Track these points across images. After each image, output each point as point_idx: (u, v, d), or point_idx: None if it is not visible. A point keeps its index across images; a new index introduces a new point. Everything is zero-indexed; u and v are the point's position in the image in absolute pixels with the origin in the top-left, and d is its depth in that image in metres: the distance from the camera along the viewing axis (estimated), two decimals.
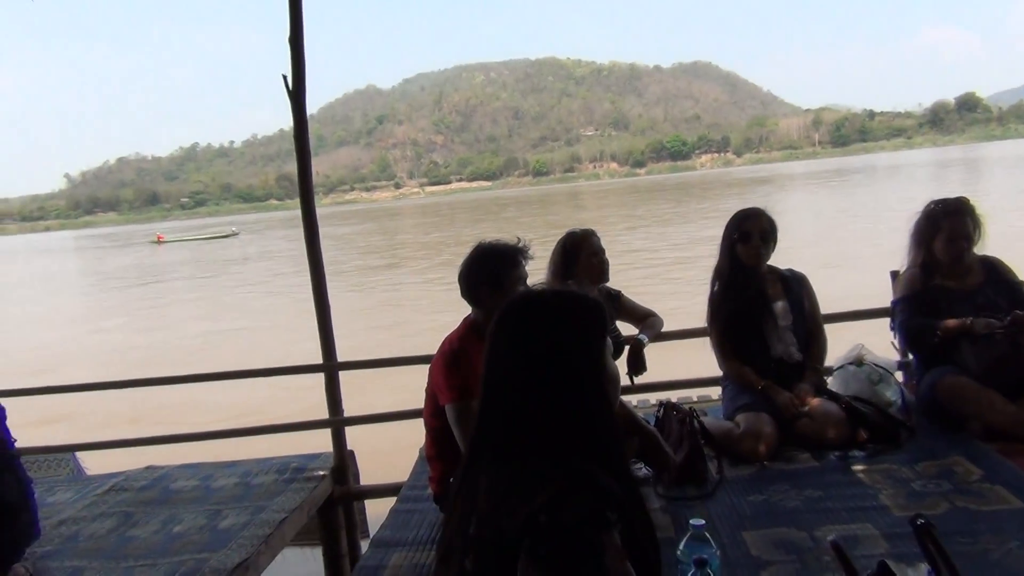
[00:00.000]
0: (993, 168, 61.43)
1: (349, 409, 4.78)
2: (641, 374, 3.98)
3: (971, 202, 3.84)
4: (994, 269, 3.86)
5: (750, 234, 3.86)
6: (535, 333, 1.61)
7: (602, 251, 4.06)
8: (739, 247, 3.89)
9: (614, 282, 4.23)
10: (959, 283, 3.79)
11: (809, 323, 3.92)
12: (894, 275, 4.26)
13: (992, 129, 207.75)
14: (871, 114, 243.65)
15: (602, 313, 1.68)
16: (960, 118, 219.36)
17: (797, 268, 4.07)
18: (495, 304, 2.95)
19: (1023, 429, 3.41)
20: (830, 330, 4.16)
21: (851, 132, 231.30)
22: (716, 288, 3.99)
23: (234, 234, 73.70)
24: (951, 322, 3.64)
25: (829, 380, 3.97)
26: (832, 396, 3.70)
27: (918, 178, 55.41)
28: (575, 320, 1.63)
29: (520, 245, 3.08)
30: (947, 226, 3.78)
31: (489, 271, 3.03)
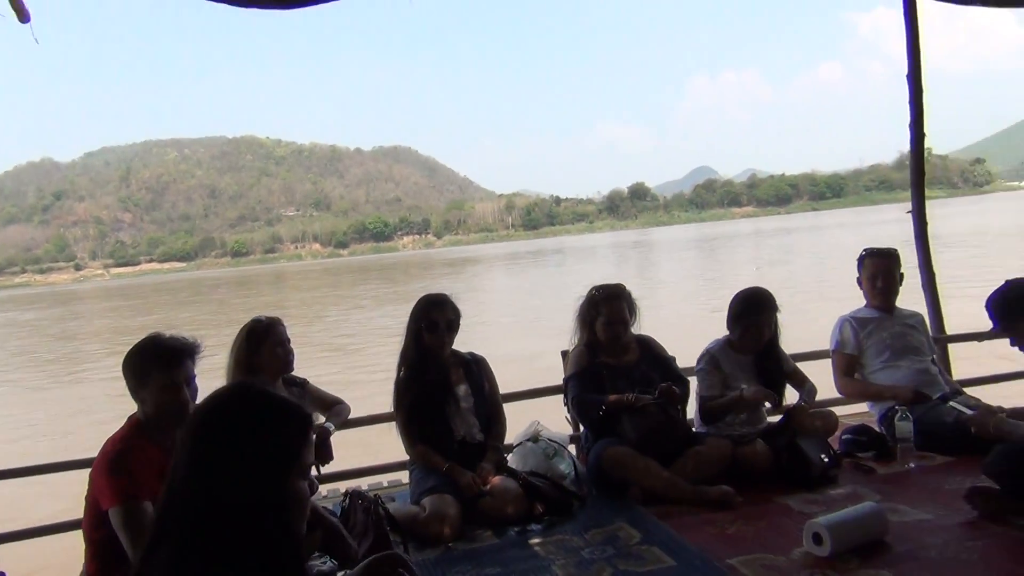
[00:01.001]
0: (661, 251, 68.55)
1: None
2: (328, 463, 3.92)
3: (627, 288, 4.29)
4: (648, 347, 4.32)
5: (437, 323, 4.00)
6: (222, 445, 1.51)
7: (287, 340, 3.99)
8: (426, 335, 4.01)
9: (307, 370, 4.18)
10: (619, 360, 4.20)
11: (489, 404, 4.12)
12: (564, 354, 4.59)
13: (660, 216, 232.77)
14: (557, 200, 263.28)
15: (303, 428, 1.60)
16: (633, 205, 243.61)
17: (491, 347, 4.28)
18: (157, 402, 2.78)
19: (676, 492, 3.79)
20: (513, 408, 4.40)
21: (540, 216, 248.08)
22: (402, 373, 4.06)
23: None
24: (613, 397, 4.00)
25: (509, 457, 4.16)
26: (511, 473, 3.88)
27: (606, 259, 60.26)
28: (268, 435, 1.54)
29: (189, 342, 2.91)
30: (606, 310, 4.19)
31: (146, 368, 2.82)
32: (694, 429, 4.36)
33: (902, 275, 4.77)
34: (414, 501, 3.83)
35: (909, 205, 5.57)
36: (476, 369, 4.14)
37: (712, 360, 4.35)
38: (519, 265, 65.80)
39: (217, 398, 1.63)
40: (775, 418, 4.48)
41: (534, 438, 4.13)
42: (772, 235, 71.59)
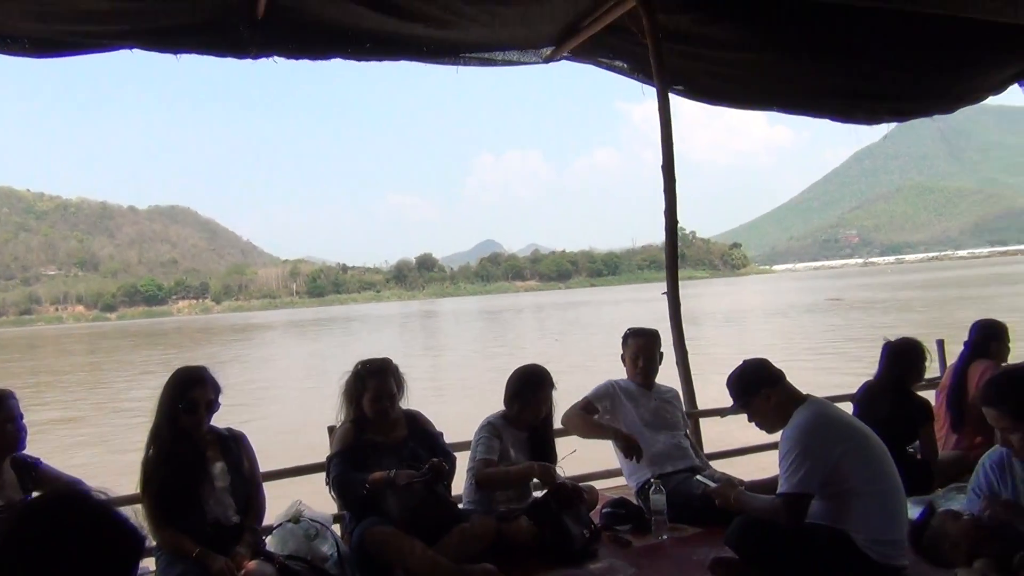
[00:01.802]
0: (447, 320, 69.27)
1: None
2: None
3: (394, 362, 4.25)
4: (416, 422, 4.28)
5: (197, 404, 3.71)
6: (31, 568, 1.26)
7: (18, 416, 3.60)
8: (183, 416, 3.72)
9: (39, 449, 3.79)
10: (386, 437, 4.11)
11: (248, 484, 3.89)
12: (331, 430, 4.46)
13: (446, 287, 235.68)
14: (344, 268, 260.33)
15: (134, 558, 1.37)
16: (420, 275, 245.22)
17: (251, 424, 4.07)
18: None
19: (439, 572, 3.73)
20: (274, 487, 4.20)
21: (326, 284, 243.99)
22: (151, 453, 3.74)
23: None
24: (377, 475, 3.90)
25: (268, 539, 3.96)
26: (268, 557, 3.68)
27: (401, 327, 59.97)
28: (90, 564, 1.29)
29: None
30: (372, 385, 4.11)
31: None
32: (460, 506, 4.35)
33: (662, 354, 5.07)
34: None
35: (680, 283, 5.96)
36: (234, 446, 3.90)
37: (492, 428, 4.42)
38: (308, 332, 64.20)
39: (37, 509, 1.37)
40: (539, 493, 4.56)
41: (295, 519, 3.95)
42: (558, 308, 74.35)
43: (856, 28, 5.69)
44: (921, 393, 5.68)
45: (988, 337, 5.34)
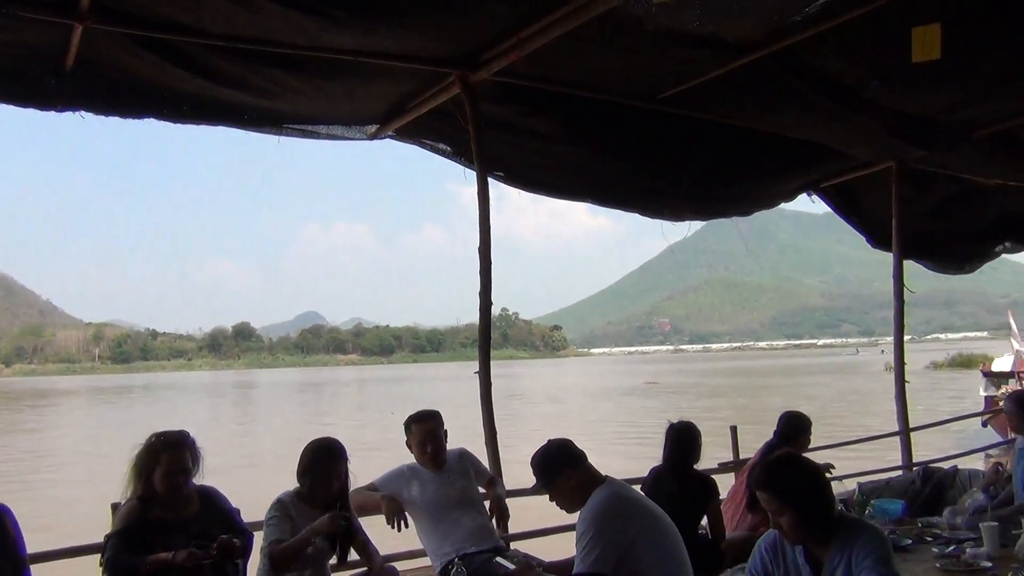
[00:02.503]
0: (264, 392, 66.76)
1: None
2: None
3: (191, 435, 4.03)
4: (210, 499, 4.05)
5: None
6: None
7: None
8: None
9: None
10: (176, 514, 3.85)
11: (9, 564, 3.55)
12: (115, 507, 4.14)
13: (264, 357, 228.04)
14: (154, 334, 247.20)
15: None
16: (236, 345, 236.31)
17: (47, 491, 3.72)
18: None
19: None
20: (45, 569, 3.86)
21: (133, 349, 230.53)
22: None
23: None
24: (158, 556, 3.65)
25: None
26: None
27: (217, 398, 57.09)
28: None
29: None
30: (166, 459, 3.86)
31: None
32: None
33: (445, 431, 5.02)
34: None
35: (502, 363, 6.03)
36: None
37: (283, 507, 4.21)
38: (107, 401, 59.98)
39: None
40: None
41: None
42: (384, 383, 73.37)
43: (665, 132, 6.13)
44: (717, 475, 6.03)
45: (796, 428, 5.74)
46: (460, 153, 5.82)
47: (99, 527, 4.27)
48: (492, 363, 5.73)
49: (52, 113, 4.44)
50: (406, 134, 5.80)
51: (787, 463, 3.25)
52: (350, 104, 5.33)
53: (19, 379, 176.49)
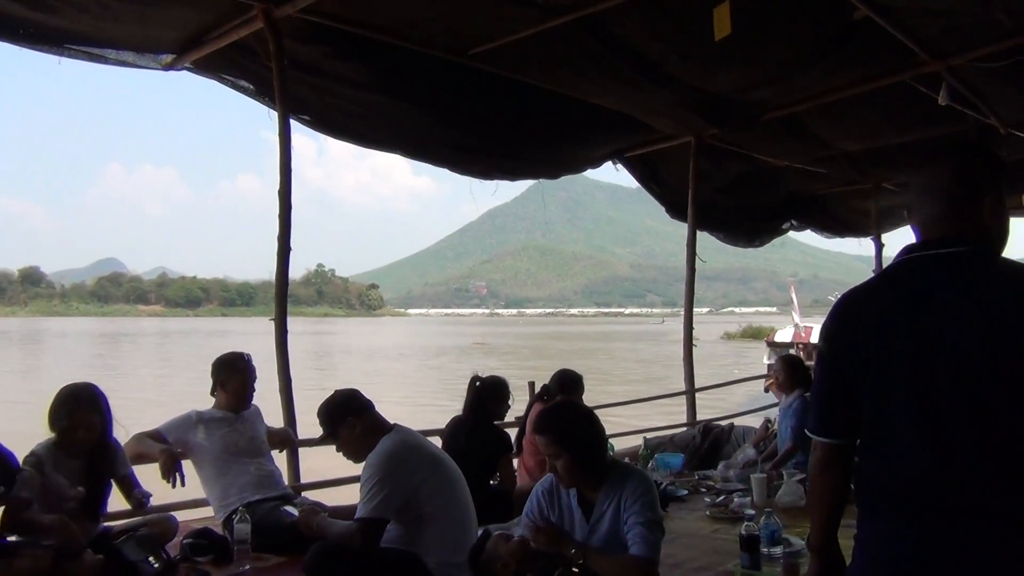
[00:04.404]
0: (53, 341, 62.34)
1: None
2: None
3: None
4: None
5: None
6: None
7: None
8: None
9: None
10: None
11: None
12: None
13: (55, 305, 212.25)
14: None
15: None
16: (23, 290, 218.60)
17: None
18: None
19: None
20: None
21: None
22: None
23: None
24: None
25: None
26: None
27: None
28: None
29: None
30: None
31: None
32: (11, 538, 3.86)
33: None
34: None
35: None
36: None
37: (33, 459, 3.94)
38: None
39: None
40: None
41: None
42: (193, 336, 70.14)
43: (474, 87, 6.14)
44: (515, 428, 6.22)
45: (568, 385, 5.95)
46: (263, 92, 5.58)
47: None
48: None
49: None
50: (205, 68, 5.48)
51: (564, 409, 3.40)
52: (142, 29, 4.97)
53: None
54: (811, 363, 6.06)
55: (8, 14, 4.47)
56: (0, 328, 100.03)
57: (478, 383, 5.36)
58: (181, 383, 24.67)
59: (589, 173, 9.41)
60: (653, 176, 9.18)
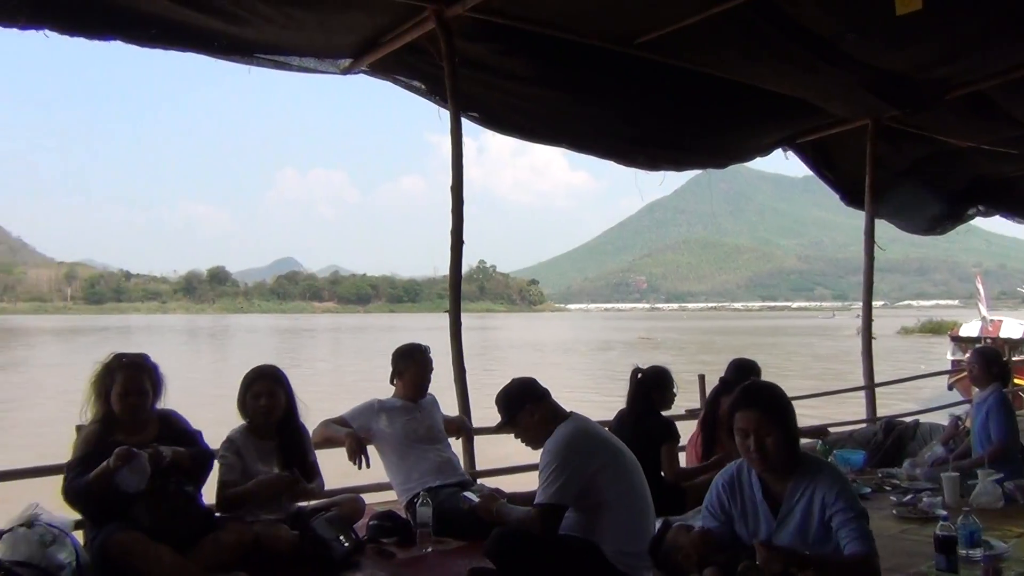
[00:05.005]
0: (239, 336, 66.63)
1: None
2: None
3: (151, 359, 4.03)
4: (169, 421, 4.06)
5: None
6: None
7: None
8: None
9: None
10: (135, 437, 3.85)
11: None
12: (79, 428, 4.16)
13: (239, 302, 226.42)
14: (128, 275, 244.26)
15: None
16: (211, 289, 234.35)
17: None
18: None
19: None
20: (9, 488, 3.89)
21: (106, 291, 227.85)
22: None
23: None
24: (100, 467, 3.65)
25: None
26: None
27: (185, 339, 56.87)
28: None
29: None
30: (122, 379, 3.85)
31: None
32: (217, 514, 4.18)
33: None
34: None
35: (478, 315, 6.08)
36: None
37: (230, 445, 4.25)
38: (82, 339, 59.62)
39: None
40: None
41: (28, 523, 3.64)
42: (372, 332, 73.20)
43: (641, 78, 6.11)
44: (688, 422, 6.12)
45: (742, 374, 5.80)
46: (434, 91, 5.77)
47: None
48: (468, 315, 5.79)
49: (14, 32, 4.33)
50: (380, 70, 5.73)
51: (770, 386, 3.29)
52: (323, 36, 5.25)
53: None
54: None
55: (204, 27, 4.83)
56: (194, 324, 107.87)
57: (640, 375, 5.31)
58: (357, 374, 25.76)
59: (752, 163, 9.13)
60: (826, 162, 8.82)
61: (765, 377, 6.02)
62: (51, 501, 3.92)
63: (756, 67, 6.16)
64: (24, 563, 3.45)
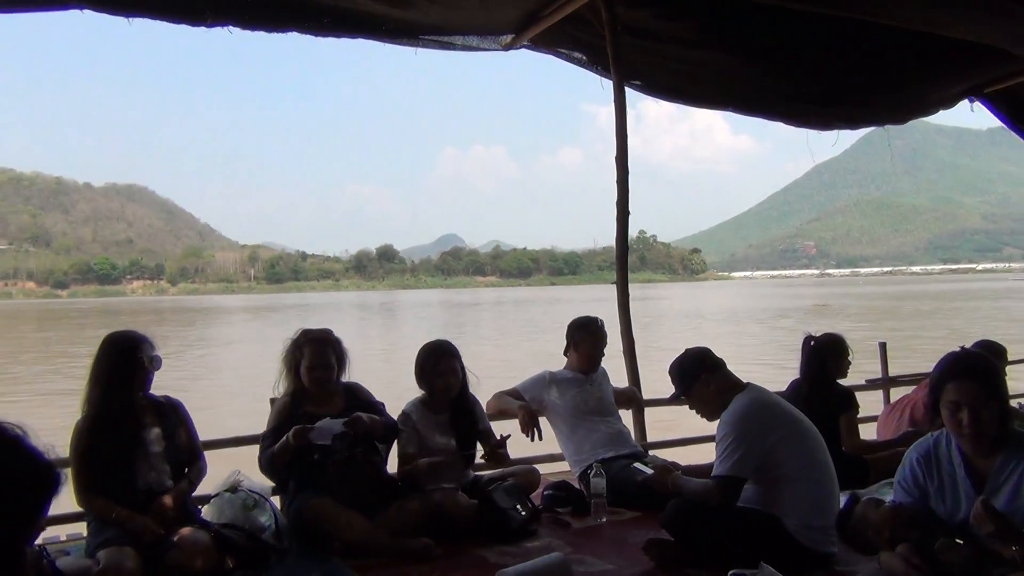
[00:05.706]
0: (406, 311, 69.07)
1: None
2: None
3: (335, 334, 4.25)
4: (354, 394, 4.28)
5: (141, 365, 3.69)
6: None
7: None
8: (138, 374, 3.70)
9: None
10: (322, 409, 4.10)
11: (185, 451, 3.88)
12: (273, 402, 4.44)
13: (407, 279, 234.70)
14: (304, 255, 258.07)
15: (48, 486, 1.32)
16: (380, 267, 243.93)
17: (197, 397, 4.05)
18: None
19: (376, 545, 3.80)
20: (215, 456, 4.20)
21: (285, 270, 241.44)
22: (83, 417, 3.69)
23: None
24: (281, 441, 3.94)
25: (205, 508, 3.96)
26: (203, 524, 3.68)
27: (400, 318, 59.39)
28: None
29: None
30: (309, 353, 4.12)
31: None
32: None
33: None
34: (89, 555, 3.51)
35: (639, 285, 6.06)
36: (171, 413, 3.88)
37: (407, 419, 4.42)
38: (272, 318, 63.55)
39: None
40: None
41: (232, 489, 3.95)
42: (535, 304, 74.20)
43: (811, 34, 5.80)
44: (866, 392, 5.83)
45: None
46: (596, 61, 5.72)
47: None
48: (630, 286, 5.75)
49: (201, 29, 4.61)
50: (541, 43, 5.73)
51: (985, 356, 3.13)
52: (485, 13, 5.31)
53: (183, 297, 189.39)
54: None
55: (371, 13, 4.99)
56: (366, 300, 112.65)
57: (812, 342, 5.09)
58: (526, 348, 26.09)
59: (930, 118, 8.52)
60: (1020, 114, 8.11)
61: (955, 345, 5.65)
62: (251, 468, 4.23)
63: (937, 14, 5.71)
64: (230, 525, 3.74)
